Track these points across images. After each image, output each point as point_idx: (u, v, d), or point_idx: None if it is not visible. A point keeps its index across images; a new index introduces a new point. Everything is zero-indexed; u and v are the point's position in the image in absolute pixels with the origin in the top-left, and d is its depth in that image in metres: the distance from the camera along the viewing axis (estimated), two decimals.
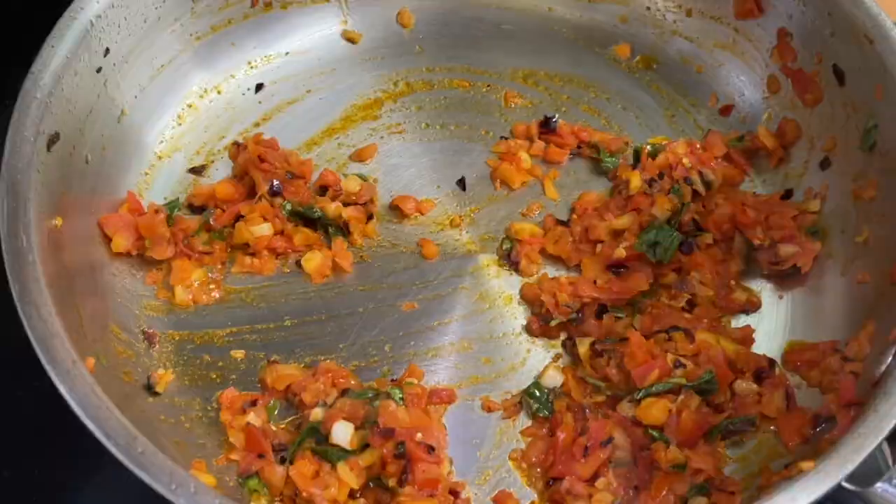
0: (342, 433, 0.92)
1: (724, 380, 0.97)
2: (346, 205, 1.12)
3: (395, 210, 1.16)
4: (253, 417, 0.96)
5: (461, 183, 1.19)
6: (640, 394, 0.95)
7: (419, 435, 0.93)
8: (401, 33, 1.31)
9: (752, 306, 1.08)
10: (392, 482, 0.91)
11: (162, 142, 1.18)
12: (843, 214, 1.09)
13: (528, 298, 1.09)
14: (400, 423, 0.93)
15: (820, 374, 1.00)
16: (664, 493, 0.91)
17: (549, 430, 0.99)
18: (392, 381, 1.02)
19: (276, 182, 1.11)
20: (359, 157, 1.20)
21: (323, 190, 1.14)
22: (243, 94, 1.25)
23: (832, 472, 0.80)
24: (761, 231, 1.08)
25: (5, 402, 1.08)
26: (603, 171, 1.20)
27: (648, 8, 1.29)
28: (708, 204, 1.12)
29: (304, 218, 1.12)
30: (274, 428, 0.97)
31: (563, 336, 1.06)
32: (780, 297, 1.09)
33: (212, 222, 1.11)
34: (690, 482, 0.91)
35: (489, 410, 1.02)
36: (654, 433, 0.93)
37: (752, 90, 1.22)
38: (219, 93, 1.24)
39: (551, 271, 1.12)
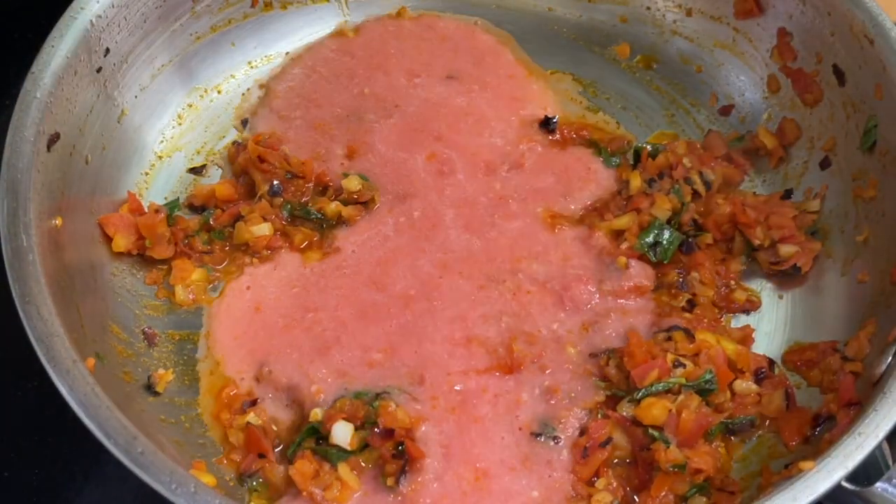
0: (342, 433, 0.92)
1: (723, 379, 0.97)
2: (346, 203, 1.12)
3: None
4: (253, 417, 0.97)
5: None
6: (640, 394, 0.95)
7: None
8: None
9: (752, 306, 1.08)
10: (391, 481, 0.91)
11: (162, 142, 1.19)
12: (843, 214, 1.09)
13: None
14: (399, 423, 0.93)
15: (820, 373, 1.00)
16: (664, 492, 0.91)
17: None
18: None
19: (275, 182, 1.11)
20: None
21: (323, 190, 1.14)
22: (243, 94, 1.25)
23: (832, 472, 0.80)
24: (761, 231, 1.08)
25: (5, 402, 1.08)
26: None
27: (648, 8, 1.29)
28: (708, 204, 1.12)
29: (304, 218, 1.12)
30: (274, 428, 0.97)
31: None
32: (780, 297, 1.10)
33: (212, 222, 1.11)
34: (690, 482, 0.91)
35: None
36: (654, 433, 0.93)
37: (752, 90, 1.22)
38: (219, 93, 1.24)
39: None
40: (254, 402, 0.99)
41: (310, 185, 1.14)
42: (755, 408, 0.98)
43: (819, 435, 0.93)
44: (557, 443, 0.96)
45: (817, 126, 1.14)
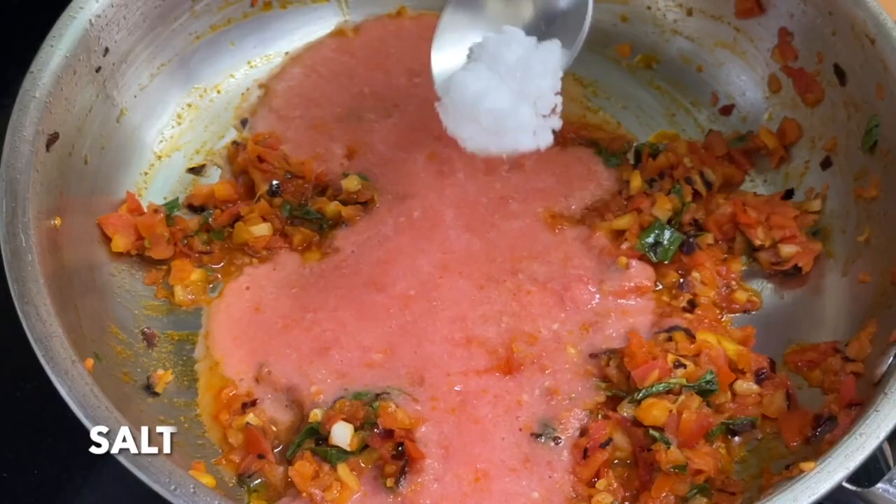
0: (342, 434, 0.92)
1: (724, 380, 0.97)
2: (345, 203, 1.12)
3: None
4: (252, 418, 0.96)
5: None
6: (641, 394, 0.95)
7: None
8: None
9: (752, 306, 1.08)
10: (390, 482, 0.91)
11: (161, 141, 1.18)
12: (844, 214, 1.08)
13: None
14: (399, 424, 0.93)
15: (821, 374, 0.99)
16: (665, 493, 0.91)
17: None
18: None
19: (275, 182, 1.11)
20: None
21: (322, 190, 1.14)
22: (243, 94, 1.25)
23: (833, 473, 0.80)
24: (762, 231, 1.08)
25: (4, 403, 1.08)
26: None
27: (649, 7, 1.29)
28: (709, 204, 1.12)
29: (304, 218, 1.12)
30: (274, 428, 0.97)
31: None
32: (781, 298, 1.09)
33: (211, 222, 1.11)
34: (691, 483, 0.91)
35: None
36: (655, 434, 0.93)
37: (753, 89, 1.22)
38: (218, 92, 1.24)
39: None
40: (253, 403, 0.98)
41: (309, 185, 1.14)
42: (756, 408, 0.98)
43: (820, 436, 0.93)
44: (558, 444, 0.95)
45: (818, 126, 1.14)
